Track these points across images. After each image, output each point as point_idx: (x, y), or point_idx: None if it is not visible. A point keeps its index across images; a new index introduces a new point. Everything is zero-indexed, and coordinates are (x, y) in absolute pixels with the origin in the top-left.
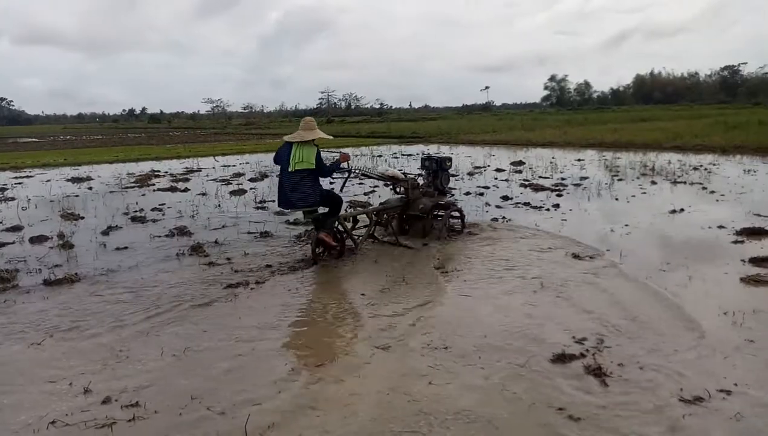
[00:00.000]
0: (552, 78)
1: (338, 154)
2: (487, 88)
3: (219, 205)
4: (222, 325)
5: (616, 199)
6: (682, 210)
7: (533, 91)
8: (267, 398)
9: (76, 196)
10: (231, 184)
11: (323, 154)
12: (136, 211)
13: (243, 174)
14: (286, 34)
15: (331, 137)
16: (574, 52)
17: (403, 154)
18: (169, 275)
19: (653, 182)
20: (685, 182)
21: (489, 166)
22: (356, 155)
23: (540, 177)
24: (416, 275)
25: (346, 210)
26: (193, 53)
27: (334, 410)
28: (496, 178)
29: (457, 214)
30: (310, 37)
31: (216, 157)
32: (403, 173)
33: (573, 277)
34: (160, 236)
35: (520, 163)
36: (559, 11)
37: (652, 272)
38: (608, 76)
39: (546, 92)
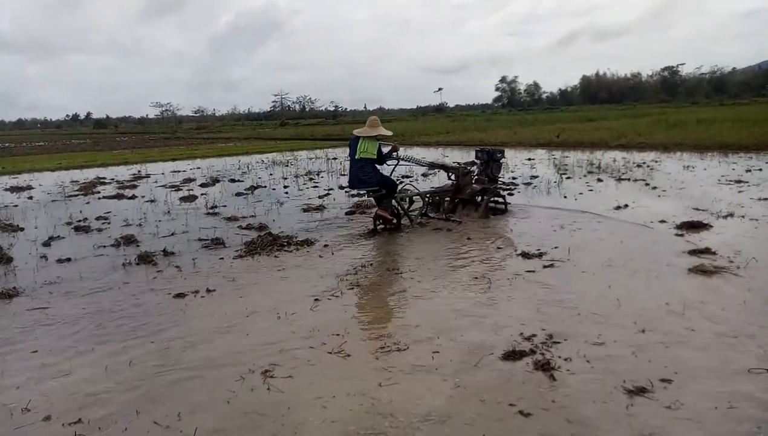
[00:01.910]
0: (503, 79)
1: (390, 145)
2: (440, 89)
3: (168, 212)
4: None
5: (565, 196)
6: (626, 206)
7: (485, 93)
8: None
9: (15, 206)
10: (181, 190)
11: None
12: (79, 220)
13: (194, 179)
14: (238, 35)
15: (391, 133)
16: (524, 54)
17: None
18: (114, 286)
19: (599, 180)
20: (629, 179)
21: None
22: (311, 159)
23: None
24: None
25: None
26: (140, 55)
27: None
28: (450, 179)
29: (500, 199)
30: (262, 39)
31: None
32: (455, 163)
33: (521, 274)
34: (105, 246)
35: (473, 163)
36: (509, 13)
37: (598, 267)
38: (557, 77)
39: (497, 93)
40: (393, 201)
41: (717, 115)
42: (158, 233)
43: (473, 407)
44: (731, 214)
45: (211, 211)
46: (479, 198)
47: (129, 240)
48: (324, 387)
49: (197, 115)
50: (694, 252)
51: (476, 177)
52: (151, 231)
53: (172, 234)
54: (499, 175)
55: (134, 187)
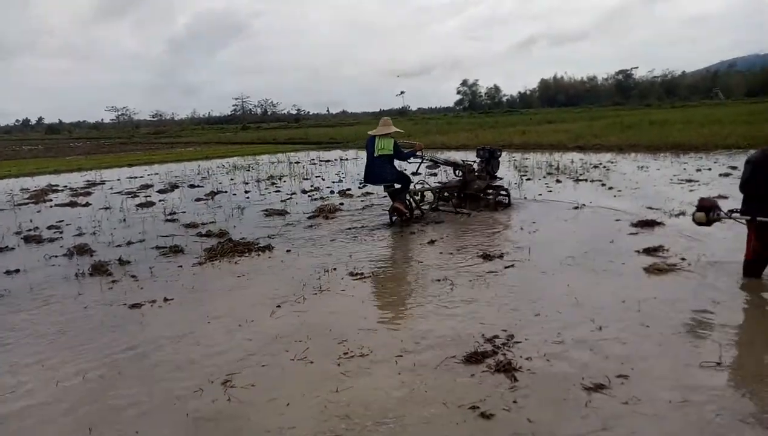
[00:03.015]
0: (464, 82)
1: (414, 144)
2: (402, 93)
3: (124, 220)
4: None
5: (525, 197)
6: (584, 206)
7: (447, 96)
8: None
9: None
10: (138, 196)
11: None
12: (30, 229)
13: (151, 185)
14: (197, 38)
15: (402, 131)
16: (485, 57)
17: (321, 161)
18: (66, 297)
19: (558, 181)
20: (586, 180)
21: (405, 169)
22: (273, 163)
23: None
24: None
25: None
26: (94, 58)
27: None
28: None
29: (504, 193)
30: (222, 42)
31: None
32: (462, 160)
33: (482, 276)
34: (57, 256)
35: (436, 165)
36: (470, 17)
37: (557, 266)
38: (516, 81)
39: (459, 96)
40: (407, 195)
41: (669, 117)
42: (113, 241)
43: (435, 411)
44: (683, 213)
45: (169, 218)
46: (482, 194)
47: (82, 250)
48: (286, 395)
49: (155, 119)
50: (648, 250)
51: (477, 174)
52: (105, 240)
53: (129, 243)
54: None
55: (88, 194)
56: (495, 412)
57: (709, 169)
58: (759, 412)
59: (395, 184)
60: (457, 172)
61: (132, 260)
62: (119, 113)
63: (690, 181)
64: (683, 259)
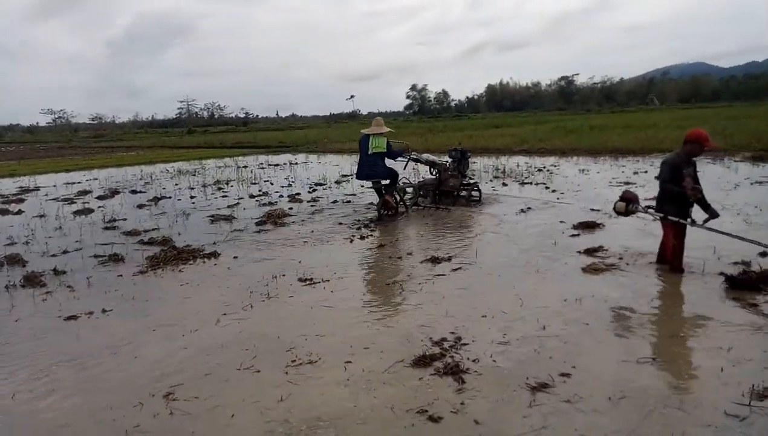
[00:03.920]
0: (413, 87)
1: (402, 144)
2: (352, 97)
3: (60, 228)
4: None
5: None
6: (529, 209)
7: (397, 100)
8: None
9: None
10: (75, 203)
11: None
12: None
13: (90, 191)
14: (140, 39)
15: (394, 130)
16: (433, 63)
17: (270, 165)
18: None
19: (504, 184)
20: (531, 183)
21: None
22: (220, 167)
23: (403, 183)
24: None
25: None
26: (28, 59)
27: None
28: (362, 186)
29: (476, 191)
30: (166, 43)
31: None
32: (439, 160)
33: (430, 279)
34: None
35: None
36: (420, 22)
37: (502, 268)
38: (464, 86)
39: (408, 101)
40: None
41: (608, 122)
42: (48, 250)
43: (382, 416)
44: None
45: (109, 225)
46: (456, 192)
47: (14, 260)
48: (231, 405)
49: (95, 122)
50: (588, 251)
51: (451, 173)
52: (39, 249)
53: (65, 252)
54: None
55: (21, 201)
56: (443, 415)
57: (646, 172)
58: (692, 402)
59: (382, 181)
60: (433, 171)
61: (68, 269)
62: (56, 116)
63: (628, 183)
64: (620, 258)
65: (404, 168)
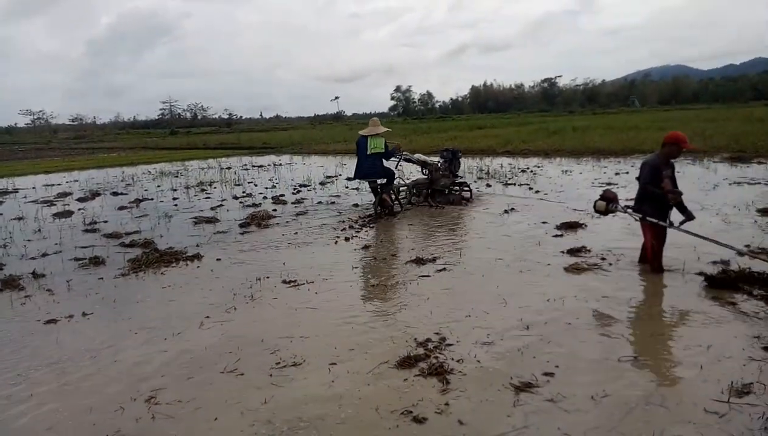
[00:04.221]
0: (398, 89)
1: (393, 143)
2: (337, 98)
3: (39, 231)
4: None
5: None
6: (513, 209)
7: (382, 101)
8: None
9: None
10: (55, 205)
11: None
12: None
13: (70, 193)
14: (121, 38)
15: (390, 130)
16: (418, 64)
17: (254, 166)
18: None
19: (488, 185)
20: (515, 184)
21: (341, 175)
22: (203, 168)
23: (398, 182)
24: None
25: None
26: (5, 58)
27: None
28: (347, 187)
29: (467, 189)
30: (148, 43)
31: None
32: (430, 160)
33: (414, 280)
34: None
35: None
36: (403, 24)
37: (486, 268)
38: (448, 87)
39: (393, 102)
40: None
41: (590, 123)
42: (27, 254)
43: (368, 417)
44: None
45: (89, 227)
46: (447, 190)
47: None
48: (215, 409)
49: (75, 123)
50: (571, 251)
51: (442, 172)
52: (17, 252)
53: (44, 255)
54: (459, 171)
55: None
56: (427, 416)
57: (627, 172)
58: (673, 399)
59: (379, 180)
60: (424, 170)
61: (47, 273)
62: (35, 117)
63: (609, 184)
64: (603, 259)
65: (396, 167)
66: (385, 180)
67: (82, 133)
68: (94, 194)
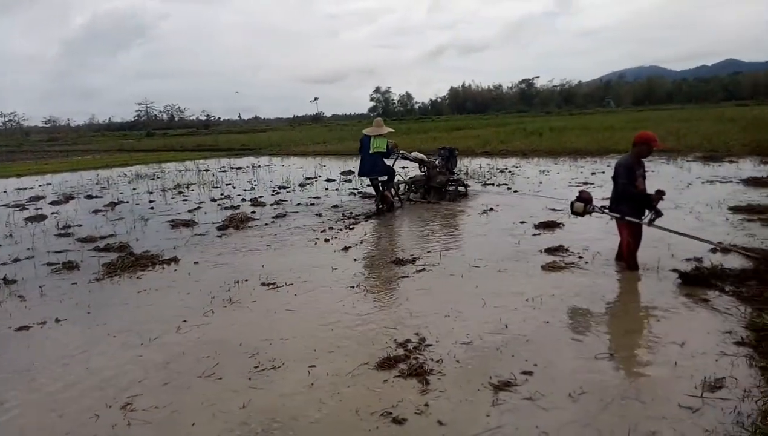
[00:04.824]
0: (377, 90)
1: (392, 143)
2: (316, 99)
3: (10, 235)
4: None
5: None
6: (491, 209)
7: (361, 102)
8: None
9: None
10: (27, 209)
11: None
12: None
13: (43, 197)
14: (96, 39)
15: (393, 130)
16: (397, 65)
17: (232, 168)
18: None
19: (467, 185)
20: (493, 184)
21: (320, 176)
22: (180, 171)
23: (368, 185)
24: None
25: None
26: None
27: None
28: (327, 189)
29: (463, 186)
30: (124, 44)
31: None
32: (427, 158)
33: (394, 280)
34: None
35: (350, 172)
36: (381, 25)
37: (465, 269)
38: (427, 88)
39: (372, 103)
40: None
41: (567, 123)
42: None
43: (348, 419)
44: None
45: (63, 231)
46: (444, 187)
47: None
48: (192, 414)
49: (48, 125)
50: (549, 250)
51: (439, 170)
52: None
53: (15, 260)
54: (455, 169)
55: None
56: (407, 417)
57: (603, 172)
58: (648, 394)
59: (380, 178)
60: (422, 168)
61: (19, 278)
62: (6, 119)
63: (586, 183)
64: (580, 257)
65: (393, 165)
66: (386, 178)
67: (56, 135)
68: (68, 198)
